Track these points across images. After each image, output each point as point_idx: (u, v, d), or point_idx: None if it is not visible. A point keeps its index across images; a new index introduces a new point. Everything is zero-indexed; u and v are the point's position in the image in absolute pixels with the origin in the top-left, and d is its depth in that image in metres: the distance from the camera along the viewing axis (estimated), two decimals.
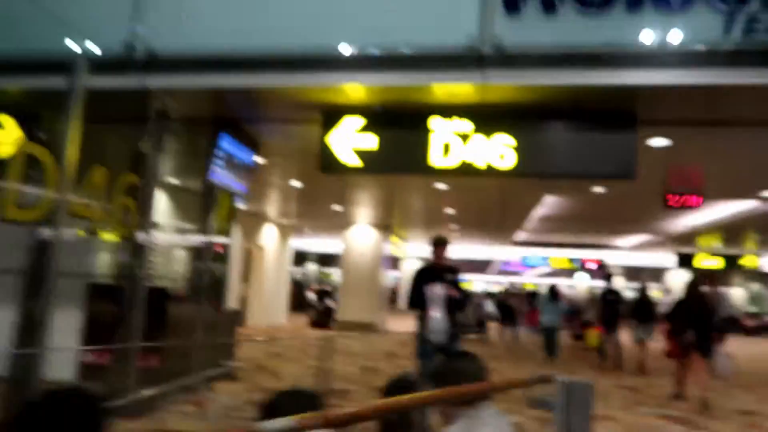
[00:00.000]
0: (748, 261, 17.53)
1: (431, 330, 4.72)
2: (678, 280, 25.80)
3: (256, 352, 10.32)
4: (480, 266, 36.93)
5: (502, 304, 16.06)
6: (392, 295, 34.74)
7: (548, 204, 12.56)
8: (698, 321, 7.23)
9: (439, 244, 5.02)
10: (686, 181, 9.05)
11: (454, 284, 4.96)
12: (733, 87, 4.79)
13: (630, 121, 5.24)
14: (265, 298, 15.84)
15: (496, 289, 38.13)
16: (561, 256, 23.01)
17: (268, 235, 16.30)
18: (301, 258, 34.74)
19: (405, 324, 18.95)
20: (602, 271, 28.66)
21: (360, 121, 5.54)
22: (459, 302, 4.95)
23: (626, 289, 38.88)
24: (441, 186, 9.79)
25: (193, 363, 6.63)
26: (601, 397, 7.53)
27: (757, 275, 33.30)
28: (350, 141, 5.56)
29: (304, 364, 9.31)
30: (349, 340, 12.98)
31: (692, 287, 7.75)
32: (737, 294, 37.63)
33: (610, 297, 11.23)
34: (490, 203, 11.81)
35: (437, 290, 4.79)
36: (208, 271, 7.31)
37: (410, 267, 29.38)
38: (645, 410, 6.87)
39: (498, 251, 25.07)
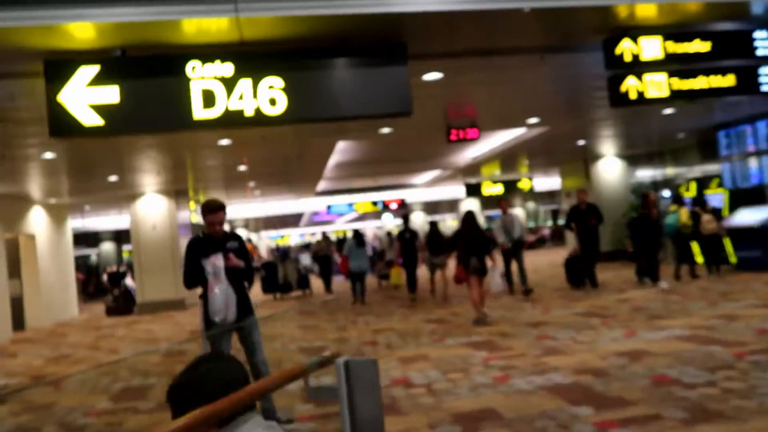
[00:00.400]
0: (524, 184, 19.45)
1: (214, 309, 4.08)
2: (470, 207, 28.23)
3: (34, 360, 8.77)
4: (292, 220, 36.52)
5: (316, 256, 15.90)
6: None
7: (342, 150, 12.41)
8: (475, 247, 8.17)
9: (213, 209, 4.29)
10: (463, 114, 9.48)
11: (239, 252, 4.35)
12: (498, 12, 4.78)
13: (401, 55, 4.99)
14: (45, 293, 13.75)
15: (312, 241, 38.49)
16: (365, 201, 23.49)
17: (38, 220, 13.99)
18: (94, 239, 31.01)
19: None
20: (404, 210, 30.42)
21: (94, 69, 4.53)
22: (245, 272, 4.36)
23: (426, 223, 42.34)
24: (223, 142, 8.95)
25: None
26: (412, 337, 7.65)
27: (531, 195, 38.09)
28: (85, 95, 4.53)
29: (95, 361, 8.10)
30: (150, 324, 11.77)
31: (467, 219, 8.53)
32: (519, 214, 42.62)
33: (408, 236, 11.97)
34: (283, 156, 11.28)
35: (217, 262, 4.14)
36: None
37: None
38: (451, 341, 7.09)
39: (304, 203, 24.85)
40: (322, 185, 18.87)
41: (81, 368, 7.69)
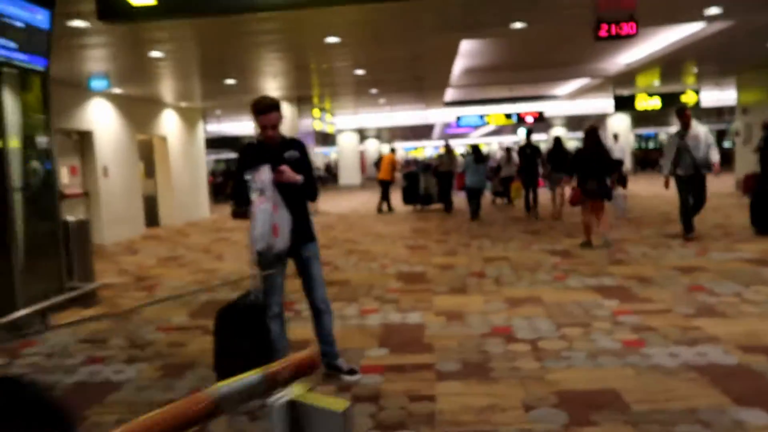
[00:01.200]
0: (688, 97, 16.54)
1: (254, 235, 3.25)
2: (619, 124, 24.89)
3: (148, 259, 8.97)
4: (424, 132, 34.93)
5: (437, 171, 14.85)
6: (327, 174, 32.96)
7: (470, 53, 10.94)
8: (596, 168, 7.54)
9: (263, 109, 3.35)
10: (617, 4, 7.58)
11: (298, 164, 3.45)
12: None
13: None
14: (177, 194, 14.12)
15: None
16: (498, 113, 21.44)
17: (169, 123, 14.22)
18: (233, 144, 32.28)
19: (342, 203, 18.22)
20: (545, 124, 27.72)
21: None
22: (304, 188, 3.47)
23: (570, 139, 38.44)
24: (331, 39, 7.99)
25: (16, 294, 5.21)
26: (528, 270, 6.54)
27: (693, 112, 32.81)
28: None
29: (197, 266, 8.02)
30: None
31: (589, 136, 7.77)
32: (704, 131, 37.86)
33: (529, 151, 11.66)
34: (401, 58, 10.08)
35: (263, 175, 3.26)
36: (35, 172, 5.66)
37: (348, 141, 27.61)
38: (575, 282, 5.90)
39: (434, 114, 23.37)
40: (450, 94, 17.40)
41: (182, 273, 7.61)
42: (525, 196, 11.69)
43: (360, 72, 11.25)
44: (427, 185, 14.22)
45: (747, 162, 12.85)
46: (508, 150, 14.48)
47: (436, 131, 35.44)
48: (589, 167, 7.55)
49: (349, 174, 28.35)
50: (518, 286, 5.85)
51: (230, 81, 11.48)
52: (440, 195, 13.87)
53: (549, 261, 7.04)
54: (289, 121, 13.92)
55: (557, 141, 11.76)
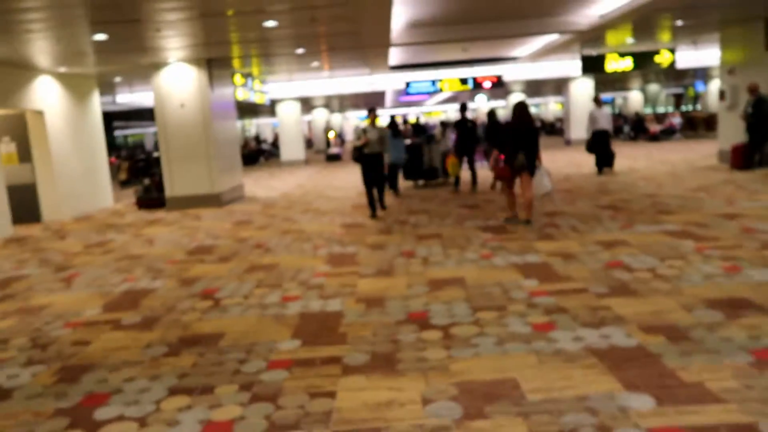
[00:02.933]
0: (662, 58, 14.78)
1: None
2: (582, 89, 23.48)
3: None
4: (376, 100, 33.35)
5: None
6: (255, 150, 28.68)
7: (413, 1, 9.79)
8: (526, 143, 7.46)
9: None
10: None
11: None
12: None
13: None
14: (64, 181, 11.82)
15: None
16: (452, 78, 19.11)
17: (47, 93, 11.62)
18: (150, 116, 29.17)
19: (281, 183, 16.61)
20: (503, 89, 26.66)
21: None
22: None
23: (531, 105, 37.04)
24: None
25: None
26: (458, 248, 6.55)
27: (656, 75, 31.22)
28: None
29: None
30: (163, 230, 9.51)
31: (518, 110, 7.64)
32: (637, 99, 37.77)
33: (470, 125, 11.60)
34: (319, 5, 8.30)
35: None
36: None
37: (289, 111, 24.54)
38: (500, 260, 5.95)
39: (383, 81, 21.93)
40: (397, 57, 16.07)
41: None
42: (461, 172, 11.78)
43: (270, 24, 9.24)
44: (431, 156, 13.00)
45: (733, 129, 12.21)
46: (443, 124, 14.50)
47: (389, 99, 34.10)
48: (518, 142, 7.49)
49: (291, 149, 24.65)
50: (445, 266, 5.84)
51: (100, 36, 9.01)
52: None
53: (480, 238, 7.07)
54: (196, 88, 11.98)
55: (492, 115, 11.79)
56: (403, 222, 8.60)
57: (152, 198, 12.71)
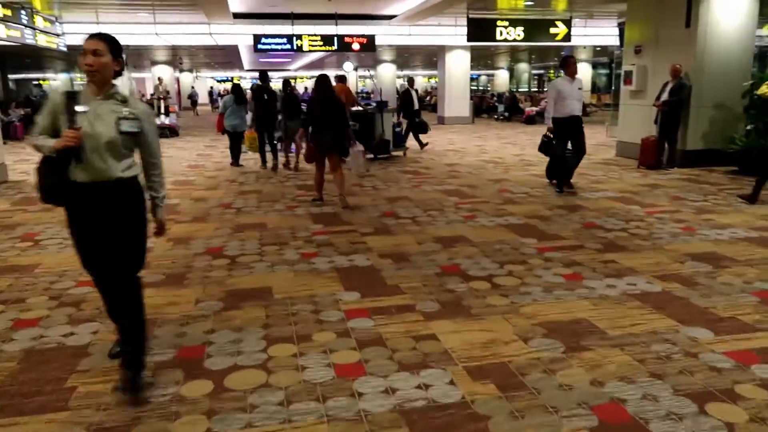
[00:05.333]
0: (558, 29, 13.44)
1: None
2: (459, 61, 20.91)
3: None
4: (231, 59, 28.03)
5: None
6: None
7: None
8: (331, 120, 6.78)
9: None
10: None
11: None
12: None
13: None
14: None
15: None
16: (313, 35, 15.31)
17: None
18: None
19: None
20: (373, 57, 24.10)
21: None
22: None
23: (400, 77, 33.27)
24: None
25: None
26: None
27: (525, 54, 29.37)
28: None
29: None
30: None
31: (320, 84, 6.93)
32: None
33: (266, 97, 10.17)
34: None
35: None
36: None
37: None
38: (321, 264, 4.98)
39: (226, 34, 17.19)
40: (238, 2, 13.24)
41: None
42: (260, 148, 10.45)
43: None
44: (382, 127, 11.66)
45: (637, 119, 10.57)
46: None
47: (247, 59, 29.73)
48: (322, 119, 6.78)
49: None
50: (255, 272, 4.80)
51: None
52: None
53: (308, 228, 6.09)
54: None
55: (288, 86, 10.67)
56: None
57: None
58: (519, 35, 13.06)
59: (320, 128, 6.80)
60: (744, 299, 3.95)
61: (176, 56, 25.96)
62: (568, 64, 7.59)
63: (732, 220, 6.15)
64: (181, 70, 26.65)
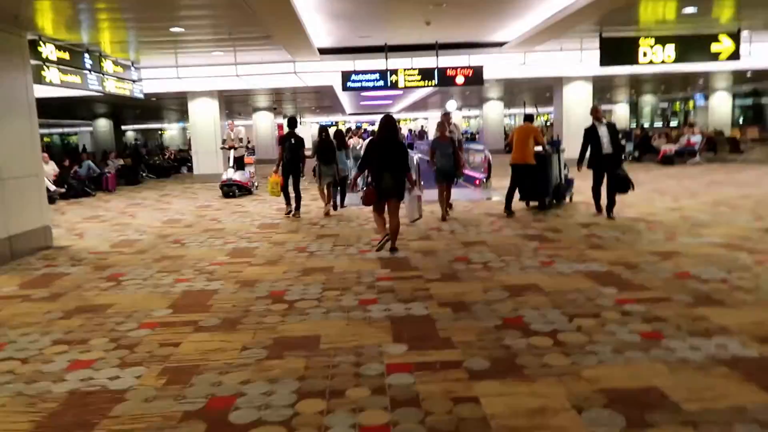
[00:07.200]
0: (722, 47, 10.57)
1: None
2: (578, 95, 18.07)
3: None
4: (326, 100, 25.20)
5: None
6: None
7: None
8: (391, 162, 6.59)
9: None
10: None
11: None
12: None
13: None
14: None
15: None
16: (409, 68, 12.94)
17: None
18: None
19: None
20: (478, 93, 21.01)
21: None
22: None
23: (505, 115, 30.49)
24: None
25: None
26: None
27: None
28: None
29: None
30: None
31: (385, 125, 6.79)
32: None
33: (293, 141, 10.08)
34: None
35: None
36: None
37: (204, 109, 18.21)
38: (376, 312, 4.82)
39: (305, 71, 15.34)
40: (324, 36, 11.43)
41: None
42: (284, 191, 10.31)
43: None
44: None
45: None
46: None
47: (348, 102, 28.28)
48: (385, 162, 6.61)
49: (207, 160, 18.48)
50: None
51: None
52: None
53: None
54: None
55: (324, 131, 10.59)
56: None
57: None
58: (669, 56, 10.42)
59: (381, 171, 6.63)
60: None
61: (273, 101, 25.41)
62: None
63: None
64: (284, 116, 27.19)
